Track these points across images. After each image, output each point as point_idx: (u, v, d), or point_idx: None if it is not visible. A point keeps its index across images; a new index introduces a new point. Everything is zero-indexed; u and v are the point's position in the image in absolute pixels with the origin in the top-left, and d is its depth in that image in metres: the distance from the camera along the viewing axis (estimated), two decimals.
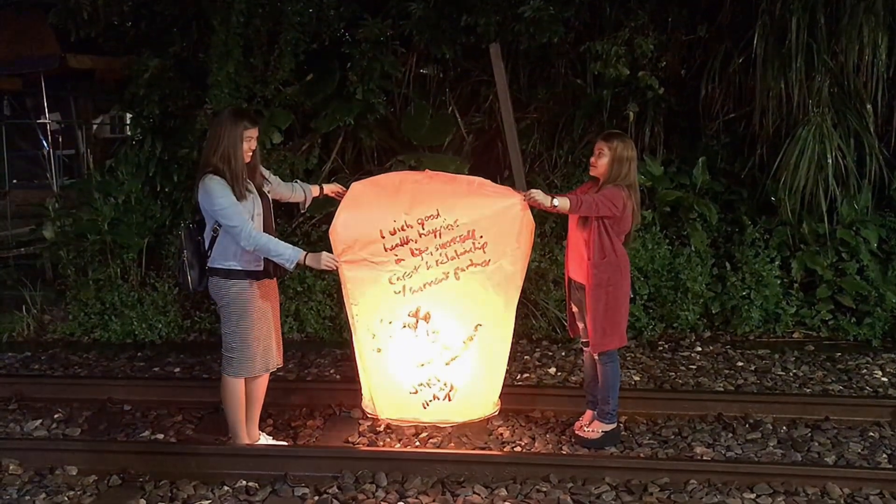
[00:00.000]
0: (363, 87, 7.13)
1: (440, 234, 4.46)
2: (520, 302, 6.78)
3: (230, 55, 6.96)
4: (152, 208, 7.72)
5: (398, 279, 4.46)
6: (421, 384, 4.59)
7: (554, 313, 6.79)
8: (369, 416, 4.76)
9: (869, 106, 6.89)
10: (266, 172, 4.55)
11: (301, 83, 7.50)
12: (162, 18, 7.86)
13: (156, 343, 7.07)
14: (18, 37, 10.19)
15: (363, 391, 4.68)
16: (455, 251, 4.49)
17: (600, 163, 4.52)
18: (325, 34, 7.29)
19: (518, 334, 6.83)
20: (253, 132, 4.27)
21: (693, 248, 7.04)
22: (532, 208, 4.49)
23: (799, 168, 6.74)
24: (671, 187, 7.32)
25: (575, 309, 4.81)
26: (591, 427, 4.77)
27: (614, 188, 4.44)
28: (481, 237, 4.48)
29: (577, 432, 4.82)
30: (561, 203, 4.35)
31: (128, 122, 10.12)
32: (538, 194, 4.36)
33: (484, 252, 4.50)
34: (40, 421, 5.31)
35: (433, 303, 4.53)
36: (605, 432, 4.74)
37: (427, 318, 4.53)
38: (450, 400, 4.61)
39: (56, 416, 5.40)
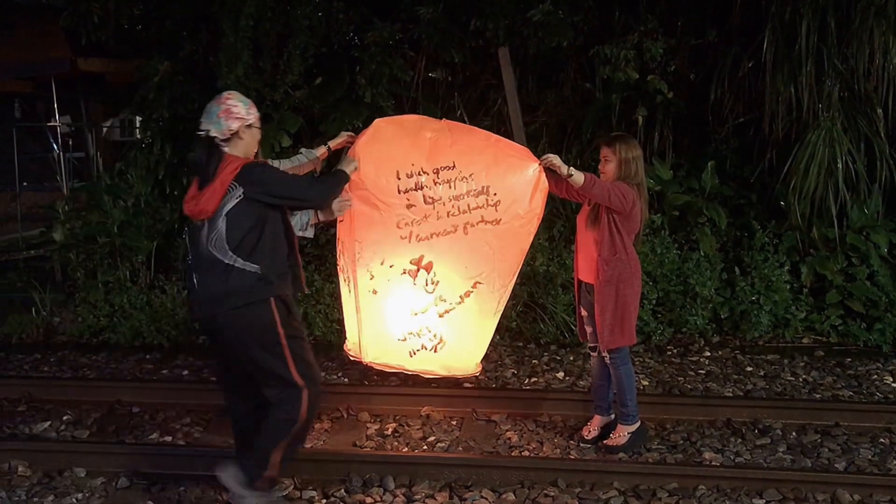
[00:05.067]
0: (372, 91, 7.14)
1: (454, 186, 4.45)
2: (528, 305, 6.83)
3: (239, 58, 6.98)
4: (161, 211, 7.74)
5: (406, 224, 4.44)
6: (410, 333, 4.56)
7: (562, 317, 6.77)
8: (352, 358, 4.71)
9: (879, 110, 6.85)
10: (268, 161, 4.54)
11: (310, 87, 7.52)
12: (172, 22, 7.89)
13: (164, 345, 7.08)
14: (29, 40, 10.24)
15: (348, 334, 4.65)
16: (468, 205, 4.48)
17: (608, 168, 4.52)
18: (334, 38, 7.31)
19: (526, 338, 6.86)
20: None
21: (702, 253, 7.02)
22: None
23: (809, 172, 6.71)
24: (680, 191, 7.30)
25: (584, 312, 4.80)
26: (616, 433, 4.74)
27: (624, 184, 4.43)
28: (495, 195, 4.47)
29: (604, 443, 4.77)
30: (576, 175, 4.33)
31: (137, 125, 10.17)
32: (555, 158, 4.34)
33: (496, 210, 4.48)
34: (49, 423, 5.33)
35: (437, 253, 4.50)
36: (631, 433, 4.72)
37: (429, 267, 4.50)
38: (436, 352, 4.61)
39: (65, 417, 5.42)
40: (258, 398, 3.81)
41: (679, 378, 6.02)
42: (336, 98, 7.44)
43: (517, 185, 4.49)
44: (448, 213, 4.48)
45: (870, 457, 4.66)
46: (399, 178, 4.40)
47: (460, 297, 4.57)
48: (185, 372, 6.41)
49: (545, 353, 6.61)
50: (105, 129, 13.12)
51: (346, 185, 4.26)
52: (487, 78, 7.77)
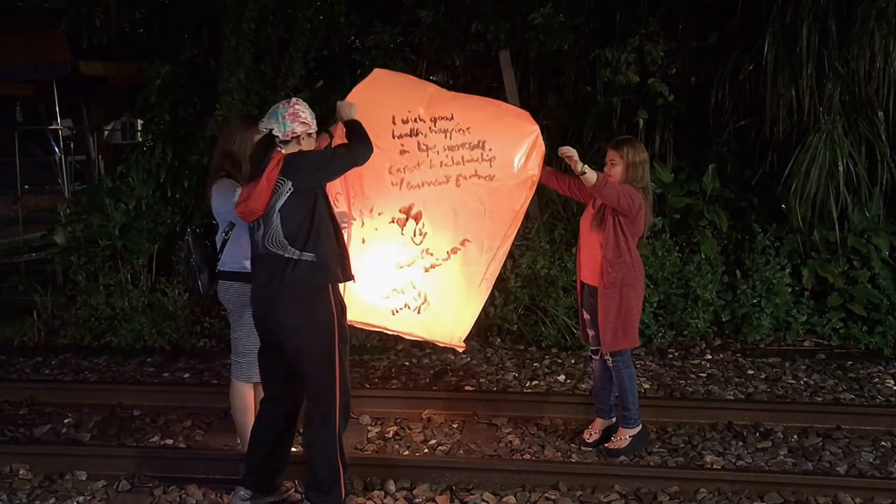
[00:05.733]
0: None
1: (450, 136, 4.39)
2: (529, 308, 6.82)
3: (241, 62, 6.99)
4: (163, 214, 7.74)
5: (398, 170, 4.37)
6: (394, 289, 4.48)
7: (563, 320, 6.77)
8: None
9: (880, 113, 6.85)
10: None
11: (311, 90, 7.52)
12: (173, 25, 7.90)
13: (165, 348, 7.08)
14: (31, 43, 10.23)
15: None
16: (462, 156, 4.41)
17: (614, 171, 4.51)
18: (335, 41, 7.32)
19: (527, 341, 6.85)
20: None
21: (703, 256, 7.01)
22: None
23: (810, 175, 6.71)
24: (681, 194, 7.30)
25: (587, 315, 4.80)
26: (617, 436, 4.75)
27: (632, 188, 4.43)
28: (490, 150, 4.41)
29: (606, 446, 4.77)
30: (589, 174, 4.30)
31: (139, 128, 10.17)
32: (573, 152, 4.31)
33: (490, 166, 4.42)
34: (50, 426, 5.33)
35: (427, 204, 4.43)
36: (633, 437, 4.72)
37: (418, 217, 4.43)
38: (419, 313, 4.51)
39: (66, 420, 5.42)
40: (291, 405, 3.97)
41: (680, 381, 6.02)
42: (337, 101, 7.43)
43: (514, 144, 4.42)
44: (441, 162, 4.40)
45: (871, 460, 4.66)
46: (395, 124, 4.33)
47: (447, 252, 4.46)
48: (187, 375, 6.41)
49: (546, 357, 6.60)
50: (106, 133, 13.11)
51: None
52: (488, 81, 7.77)
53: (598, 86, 7.60)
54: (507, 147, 4.44)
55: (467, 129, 4.41)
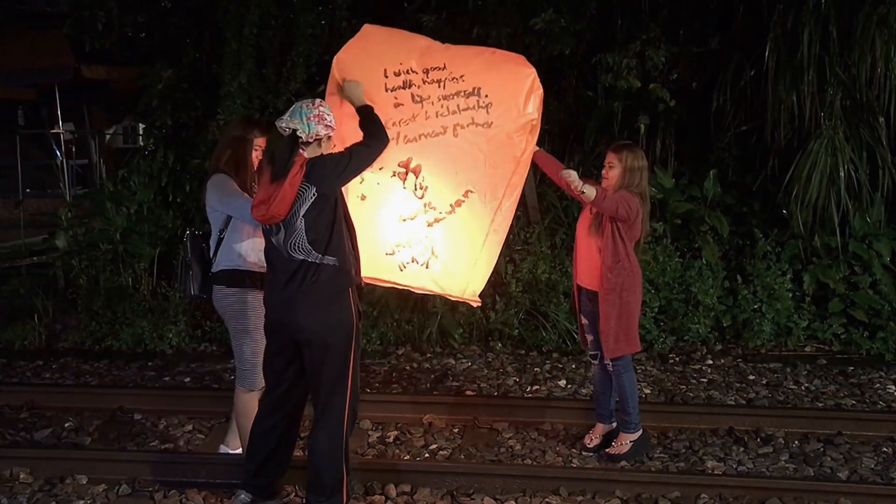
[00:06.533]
0: None
1: (444, 86, 4.30)
2: (530, 313, 6.81)
3: (243, 66, 7.00)
4: (164, 218, 7.75)
5: (393, 124, 4.28)
6: (399, 244, 4.40)
7: (564, 325, 6.77)
8: None
9: (882, 119, 6.86)
10: None
11: (313, 94, 7.52)
12: (175, 30, 7.91)
13: (166, 352, 7.08)
14: (33, 47, 10.26)
15: None
16: (457, 105, 4.32)
17: (611, 174, 4.53)
18: (337, 45, 7.30)
19: (528, 346, 6.85)
20: (261, 141, 4.30)
21: (704, 261, 7.01)
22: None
23: (811, 181, 6.71)
24: (682, 199, 7.30)
25: (585, 320, 4.80)
26: (618, 441, 4.75)
27: (628, 193, 4.44)
28: (486, 96, 4.31)
29: (606, 451, 4.77)
30: (588, 192, 4.32)
31: (141, 132, 10.18)
32: (572, 175, 4.32)
33: (487, 112, 4.33)
34: (51, 429, 5.33)
35: (426, 156, 4.35)
36: (633, 442, 4.72)
37: (417, 170, 4.34)
38: (427, 267, 4.42)
39: (67, 424, 5.42)
40: (293, 409, 3.97)
41: (681, 386, 6.01)
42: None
43: (510, 88, 4.33)
44: (437, 113, 4.31)
45: (872, 466, 4.65)
46: (387, 77, 4.26)
47: (450, 205, 4.37)
48: (188, 379, 6.41)
49: (547, 361, 6.60)
50: (108, 136, 13.16)
51: (337, 97, 4.21)
52: None
53: (600, 91, 7.60)
54: (503, 92, 4.34)
55: (461, 77, 4.31)
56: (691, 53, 7.62)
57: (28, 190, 11.81)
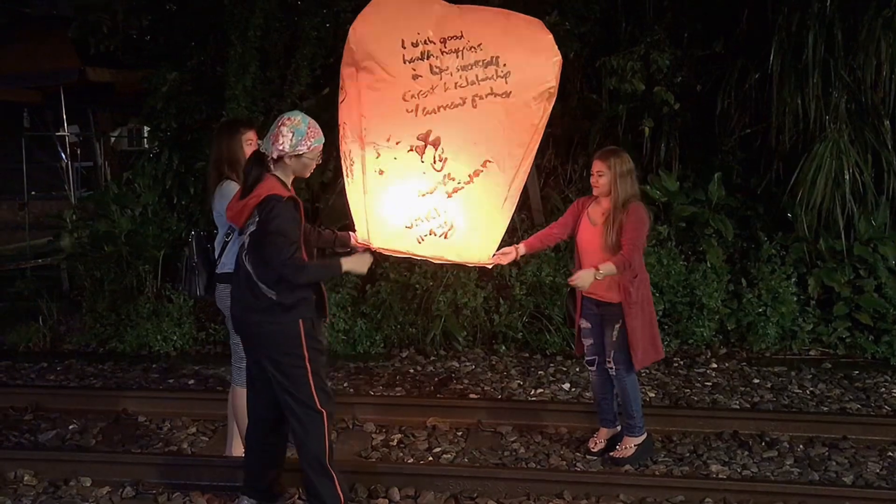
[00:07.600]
0: None
1: (462, 55, 4.24)
2: (534, 316, 6.80)
3: (247, 69, 7.02)
4: (169, 220, 7.77)
5: (412, 97, 4.22)
6: (418, 218, 4.34)
7: (568, 329, 6.76)
8: (361, 243, 4.32)
9: (887, 122, 6.85)
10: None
11: (317, 97, 7.54)
12: (180, 32, 7.94)
13: (171, 354, 7.09)
14: (38, 50, 10.29)
15: (356, 223, 4.36)
16: (476, 76, 4.26)
17: (601, 182, 4.55)
18: (341, 48, 7.32)
19: (532, 349, 6.85)
20: (251, 134, 4.34)
21: (709, 264, 7.00)
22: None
23: (816, 184, 6.70)
24: (687, 203, 7.30)
25: (586, 325, 4.78)
26: (622, 445, 4.74)
27: (635, 206, 4.45)
28: (504, 65, 4.26)
29: (610, 455, 4.77)
30: (607, 270, 4.34)
31: (145, 134, 10.19)
32: (583, 280, 4.36)
33: (506, 82, 4.27)
34: (55, 431, 5.34)
35: (445, 128, 4.28)
36: (638, 445, 4.71)
37: (436, 143, 4.27)
38: (446, 238, 4.38)
39: (71, 426, 5.43)
40: (277, 415, 3.86)
41: (686, 390, 6.00)
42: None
43: (528, 55, 4.30)
44: (456, 84, 4.24)
45: (878, 470, 4.63)
46: (404, 48, 4.17)
47: (469, 175, 4.32)
48: (192, 381, 6.41)
49: (551, 364, 6.59)
50: (113, 139, 13.19)
51: (353, 68, 4.12)
52: None
53: (604, 94, 7.61)
54: (521, 60, 4.30)
55: (479, 46, 4.24)
56: (696, 56, 7.63)
57: (33, 192, 11.82)
